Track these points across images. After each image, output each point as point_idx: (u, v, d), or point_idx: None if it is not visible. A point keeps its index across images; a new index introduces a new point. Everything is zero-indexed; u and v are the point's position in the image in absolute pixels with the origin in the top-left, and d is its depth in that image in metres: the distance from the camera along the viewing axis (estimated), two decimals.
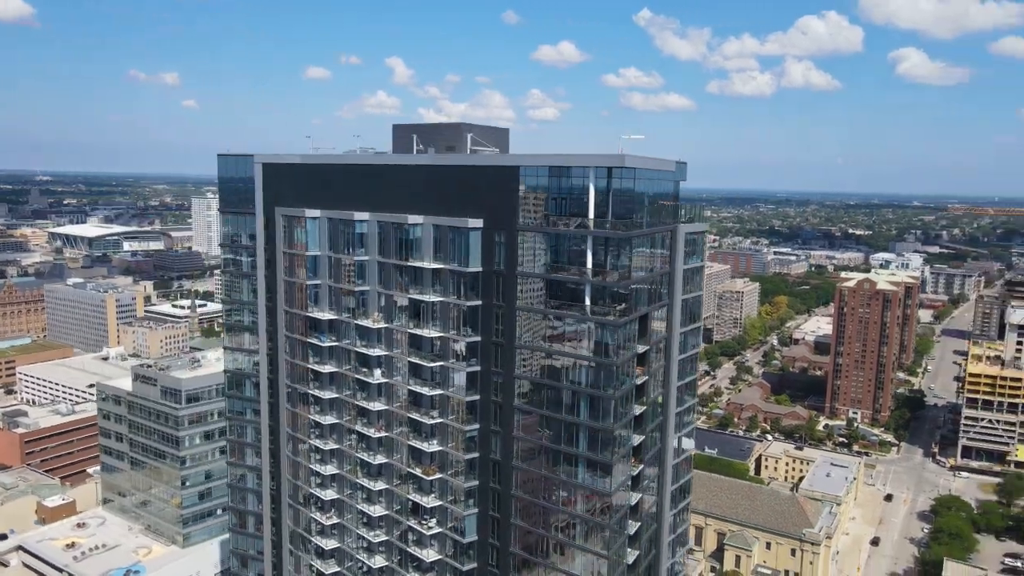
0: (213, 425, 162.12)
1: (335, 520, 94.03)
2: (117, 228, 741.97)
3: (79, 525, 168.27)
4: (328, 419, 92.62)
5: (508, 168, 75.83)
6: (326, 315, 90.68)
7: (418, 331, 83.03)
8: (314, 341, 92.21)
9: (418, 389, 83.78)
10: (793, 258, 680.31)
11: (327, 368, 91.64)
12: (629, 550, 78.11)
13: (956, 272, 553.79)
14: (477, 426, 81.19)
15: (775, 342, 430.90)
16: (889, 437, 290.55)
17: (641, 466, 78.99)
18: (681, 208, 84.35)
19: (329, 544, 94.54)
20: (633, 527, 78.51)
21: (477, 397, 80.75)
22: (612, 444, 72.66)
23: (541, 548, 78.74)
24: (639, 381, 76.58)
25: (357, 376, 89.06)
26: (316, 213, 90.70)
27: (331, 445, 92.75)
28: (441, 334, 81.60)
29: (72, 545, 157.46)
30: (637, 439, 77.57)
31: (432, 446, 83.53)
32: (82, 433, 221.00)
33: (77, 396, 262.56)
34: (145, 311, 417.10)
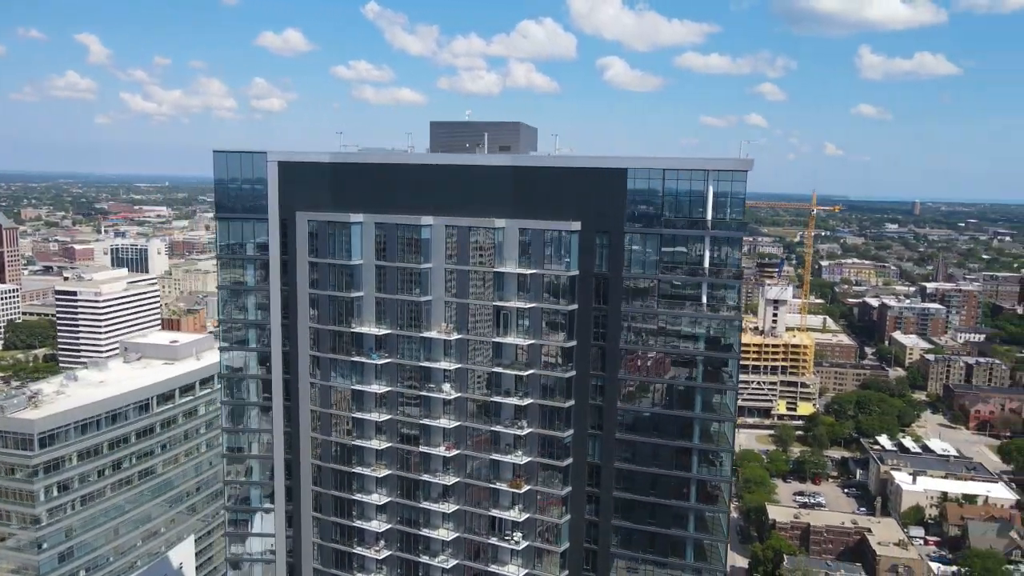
0: (72, 471, 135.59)
1: (386, 553, 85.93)
2: None
3: None
4: (376, 443, 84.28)
5: (615, 171, 75.76)
6: (379, 330, 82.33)
7: (503, 339, 79.46)
8: (360, 359, 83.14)
9: (503, 400, 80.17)
10: None
11: (377, 388, 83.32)
12: None
13: None
14: (572, 431, 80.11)
15: None
16: None
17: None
18: None
19: None
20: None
21: (573, 402, 79.65)
22: (732, 436, 76.87)
23: (646, 545, 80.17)
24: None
25: (421, 393, 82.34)
26: (360, 218, 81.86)
27: (382, 472, 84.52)
28: (531, 341, 78.98)
29: None
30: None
31: (520, 457, 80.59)
32: None
33: None
34: None
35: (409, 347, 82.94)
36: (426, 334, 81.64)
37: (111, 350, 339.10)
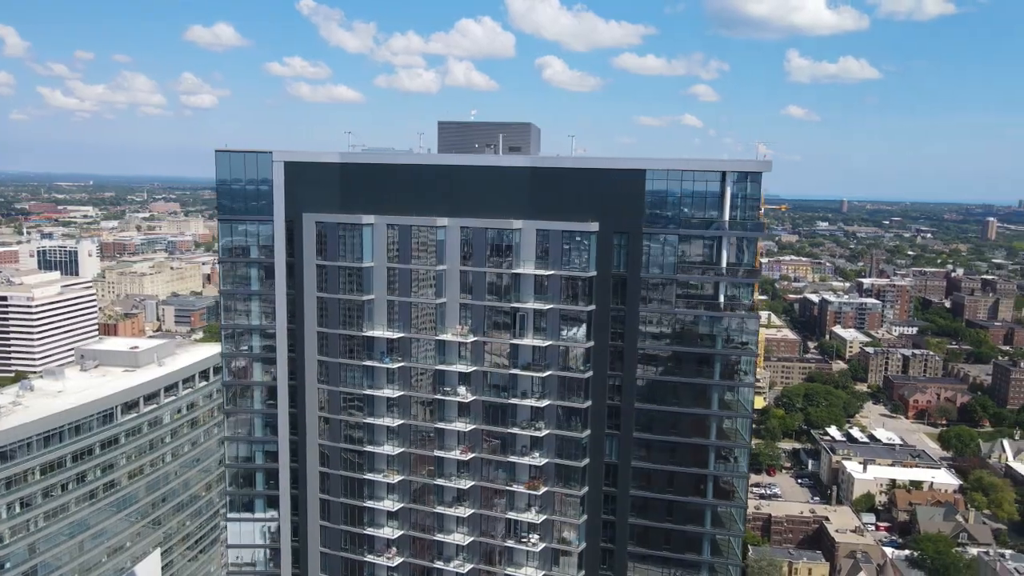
0: (35, 486, 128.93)
1: (399, 560, 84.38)
2: None
3: None
4: (388, 449, 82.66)
5: (633, 171, 76.19)
6: (392, 333, 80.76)
7: (520, 341, 79.04)
8: (372, 363, 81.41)
9: (520, 402, 79.78)
10: None
11: (390, 392, 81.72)
12: None
13: None
14: (589, 432, 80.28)
15: None
16: None
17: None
18: None
19: None
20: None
21: (590, 403, 79.81)
22: (748, 432, 78.28)
23: (662, 542, 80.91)
24: None
25: (436, 396, 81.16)
26: (371, 219, 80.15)
27: (394, 478, 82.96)
28: (549, 342, 78.80)
29: None
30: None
31: (537, 459, 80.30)
32: None
33: None
34: None
35: (423, 350, 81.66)
36: (441, 337, 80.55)
37: (45, 358, 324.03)
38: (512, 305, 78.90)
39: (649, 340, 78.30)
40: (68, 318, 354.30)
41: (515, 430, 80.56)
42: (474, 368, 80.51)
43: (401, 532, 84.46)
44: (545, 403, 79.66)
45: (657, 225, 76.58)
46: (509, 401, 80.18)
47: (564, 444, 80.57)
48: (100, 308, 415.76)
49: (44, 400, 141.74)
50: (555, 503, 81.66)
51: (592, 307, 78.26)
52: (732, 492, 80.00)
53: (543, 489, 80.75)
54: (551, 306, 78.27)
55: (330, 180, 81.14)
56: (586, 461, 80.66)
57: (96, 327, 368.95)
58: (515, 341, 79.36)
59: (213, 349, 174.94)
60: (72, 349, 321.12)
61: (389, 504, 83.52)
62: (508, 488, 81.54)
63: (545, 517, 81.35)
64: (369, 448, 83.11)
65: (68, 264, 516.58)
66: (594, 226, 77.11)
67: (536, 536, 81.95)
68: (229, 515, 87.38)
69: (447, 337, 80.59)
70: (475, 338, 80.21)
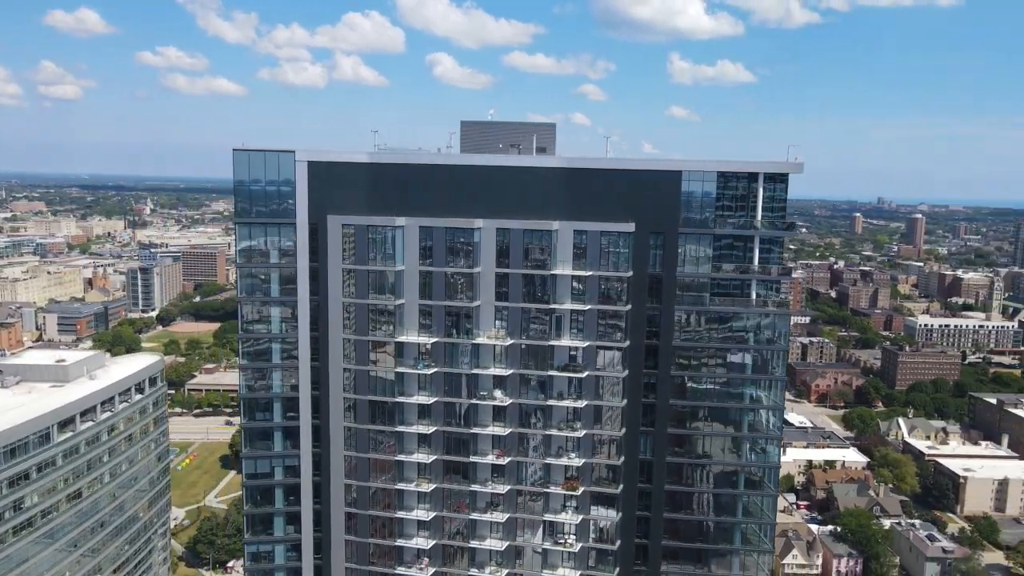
0: None
1: (431, 571, 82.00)
2: None
3: None
4: (421, 457, 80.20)
5: (669, 172, 77.34)
6: (427, 339, 78.32)
7: (557, 342, 78.64)
8: (404, 370, 78.63)
9: (557, 403, 79.43)
10: None
11: (423, 399, 79.27)
12: None
13: None
14: (624, 430, 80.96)
15: None
16: None
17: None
18: None
19: None
20: None
21: (625, 402, 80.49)
22: (779, 424, 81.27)
23: (695, 534, 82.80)
24: None
25: (472, 401, 79.43)
26: (402, 221, 77.42)
27: (428, 486, 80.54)
28: (587, 343, 78.83)
29: None
30: None
31: (575, 460, 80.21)
32: None
33: None
34: None
35: (457, 355, 79.65)
36: (476, 340, 78.89)
37: None
38: (549, 307, 78.30)
39: (683, 338, 79.69)
40: None
41: (552, 432, 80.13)
42: (511, 371, 79.39)
43: (433, 542, 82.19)
44: (583, 404, 79.66)
45: (692, 225, 78.03)
46: (546, 403, 79.64)
47: (600, 443, 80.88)
48: None
49: None
50: (591, 502, 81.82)
51: (628, 307, 78.87)
52: (763, 482, 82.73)
53: (581, 489, 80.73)
54: (589, 307, 78.30)
55: (357, 181, 77.81)
56: (622, 459, 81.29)
57: None
58: (552, 343, 78.84)
59: (146, 360, 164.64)
60: None
61: (422, 514, 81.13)
62: (545, 490, 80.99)
63: (582, 517, 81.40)
64: (400, 457, 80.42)
65: None
66: (630, 226, 77.70)
67: (573, 537, 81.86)
68: (246, 535, 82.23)
69: (482, 340, 79.06)
70: (511, 341, 79.09)
